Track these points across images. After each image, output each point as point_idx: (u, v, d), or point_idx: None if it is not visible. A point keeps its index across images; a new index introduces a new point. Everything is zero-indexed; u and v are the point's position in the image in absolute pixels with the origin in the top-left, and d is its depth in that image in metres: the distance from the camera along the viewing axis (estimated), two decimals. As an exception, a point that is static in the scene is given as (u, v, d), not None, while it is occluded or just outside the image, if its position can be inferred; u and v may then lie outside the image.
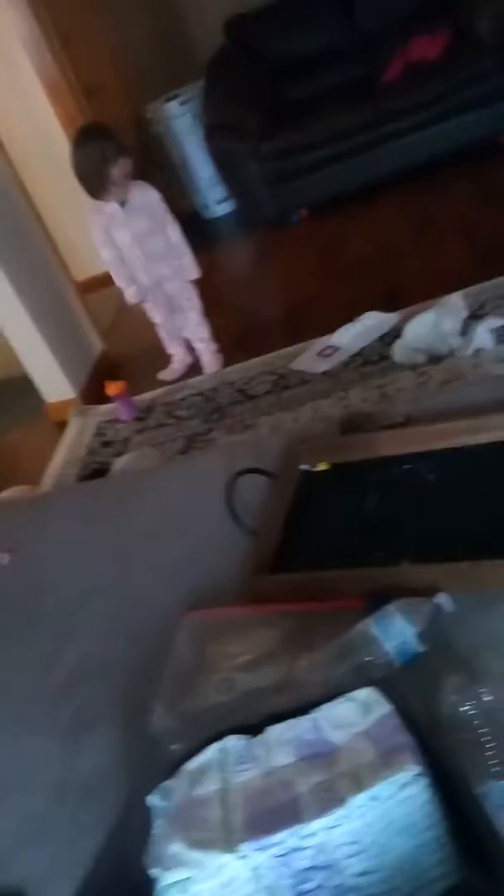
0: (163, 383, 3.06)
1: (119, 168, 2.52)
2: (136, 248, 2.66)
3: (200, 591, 1.20)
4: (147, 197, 2.63)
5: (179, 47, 4.49)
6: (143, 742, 0.96)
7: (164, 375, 3.07)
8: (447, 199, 3.48)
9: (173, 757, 0.78)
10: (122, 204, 2.61)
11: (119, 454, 2.70)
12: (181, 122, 4.39)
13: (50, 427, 3.17)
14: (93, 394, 3.13)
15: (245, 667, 1.03)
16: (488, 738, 0.79)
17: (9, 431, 3.32)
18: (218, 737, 0.72)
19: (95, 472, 2.66)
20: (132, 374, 3.13)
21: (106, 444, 2.85)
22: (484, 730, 0.81)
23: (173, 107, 4.35)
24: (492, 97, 3.54)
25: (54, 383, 3.15)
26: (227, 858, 0.58)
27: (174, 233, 2.68)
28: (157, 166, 4.40)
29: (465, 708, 0.83)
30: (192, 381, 2.99)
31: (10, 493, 2.37)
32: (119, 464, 2.52)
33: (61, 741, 1.09)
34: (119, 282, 2.77)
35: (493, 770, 0.76)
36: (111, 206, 2.62)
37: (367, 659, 0.96)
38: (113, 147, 2.54)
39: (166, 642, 1.10)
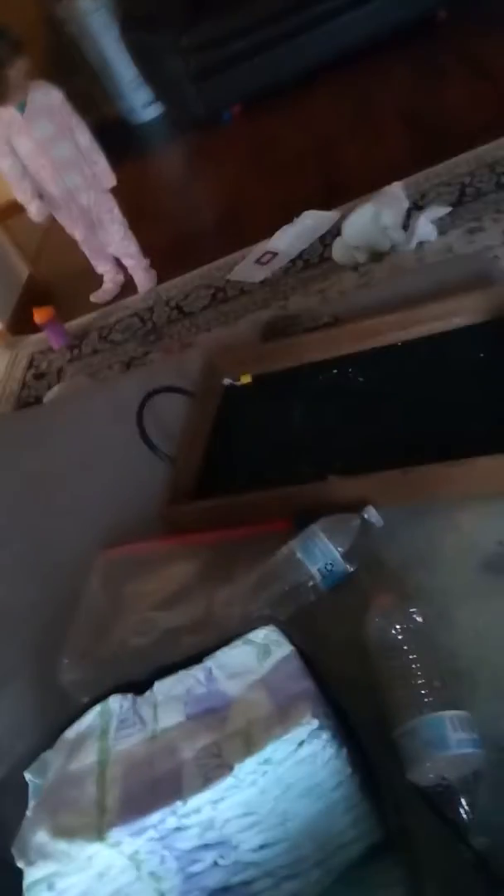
0: (96, 306, 2.87)
1: (15, 69, 2.25)
2: (40, 156, 2.41)
3: (119, 528, 1.10)
4: (49, 98, 2.37)
5: None
6: (56, 697, 0.87)
7: (96, 297, 2.88)
8: (386, 83, 3.25)
9: (66, 719, 0.69)
10: (22, 109, 2.35)
11: (52, 385, 2.54)
12: (96, 18, 4.02)
13: (-21, 363, 2.98)
14: (22, 324, 2.93)
15: (161, 605, 0.93)
16: (417, 663, 0.71)
17: None
18: (103, 696, 0.62)
19: (28, 405, 2.51)
20: (63, 299, 2.93)
21: (39, 375, 2.68)
22: (413, 654, 0.72)
23: (85, 2, 3.96)
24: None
25: (-21, 316, 2.95)
26: (96, 847, 0.48)
27: (83, 136, 2.43)
28: (74, 69, 4.05)
29: (394, 630, 0.75)
30: (126, 301, 2.81)
31: None
32: (50, 395, 2.37)
33: (-30, 700, 1.00)
34: (20, 197, 2.52)
35: (421, 700, 0.68)
36: (8, 112, 2.35)
37: (290, 585, 0.87)
38: (5, 46, 2.26)
39: (81, 586, 1.00)
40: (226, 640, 0.62)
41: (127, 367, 2.47)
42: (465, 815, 0.62)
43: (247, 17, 3.43)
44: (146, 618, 0.92)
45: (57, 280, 3.23)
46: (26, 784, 0.60)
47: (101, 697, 0.61)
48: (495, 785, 0.63)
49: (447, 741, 0.65)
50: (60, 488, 1.27)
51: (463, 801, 0.63)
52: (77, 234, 2.70)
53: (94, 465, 1.28)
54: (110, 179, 2.53)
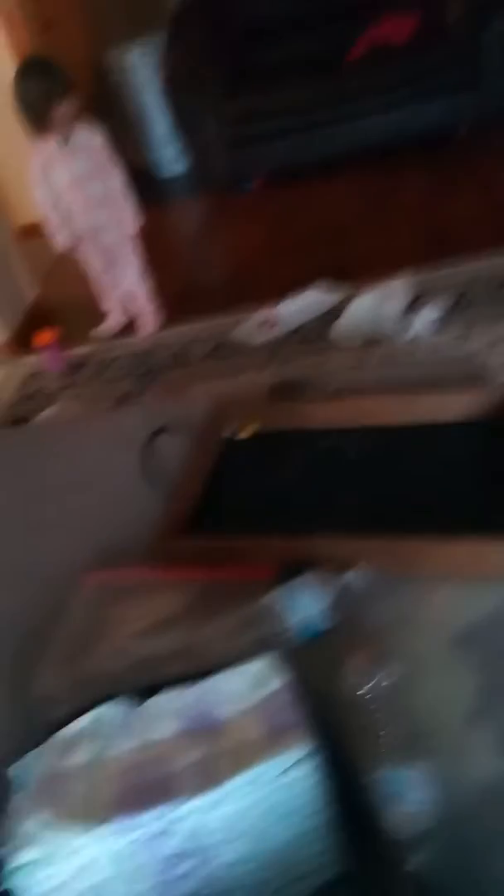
0: (97, 340, 2.94)
1: (63, 107, 2.38)
2: (74, 190, 2.52)
3: (108, 552, 1.14)
4: (90, 139, 2.49)
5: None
6: (29, 708, 0.89)
7: (98, 331, 2.95)
8: (403, 183, 3.46)
9: (54, 723, 0.72)
10: (63, 143, 2.47)
11: (44, 408, 2.58)
12: (141, 72, 4.22)
13: (-29, 376, 3.01)
14: (21, 343, 2.98)
15: (143, 632, 0.97)
16: (384, 721, 0.76)
17: None
18: (97, 704, 0.65)
19: (17, 423, 2.54)
20: (66, 327, 2.99)
21: (30, 396, 2.72)
22: (380, 714, 0.77)
23: (134, 55, 4.17)
24: (454, 88, 3.52)
25: (-20, 330, 2.99)
26: (83, 841, 0.52)
27: (117, 180, 2.55)
28: (112, 116, 4.22)
29: (364, 690, 0.80)
30: (127, 340, 2.89)
31: None
32: (42, 418, 2.41)
33: None
34: (50, 225, 2.62)
35: (384, 756, 0.73)
36: (51, 144, 2.47)
37: (269, 632, 0.92)
38: (58, 84, 2.39)
39: (63, 603, 1.03)
40: (215, 667, 0.66)
41: (120, 403, 2.52)
42: (415, 869, 0.66)
43: (283, 101, 3.65)
44: (126, 643, 0.96)
45: (62, 307, 3.30)
46: (10, 780, 0.63)
47: (95, 703, 0.64)
48: (445, 843, 0.67)
49: (404, 797, 0.70)
50: (49, 507, 1.31)
51: (414, 856, 0.67)
52: (94, 268, 2.79)
53: (85, 490, 1.32)
54: (135, 224, 2.64)
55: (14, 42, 3.48)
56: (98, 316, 2.99)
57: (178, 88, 3.76)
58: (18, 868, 0.52)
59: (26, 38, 3.48)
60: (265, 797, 0.54)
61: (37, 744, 0.66)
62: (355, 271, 2.82)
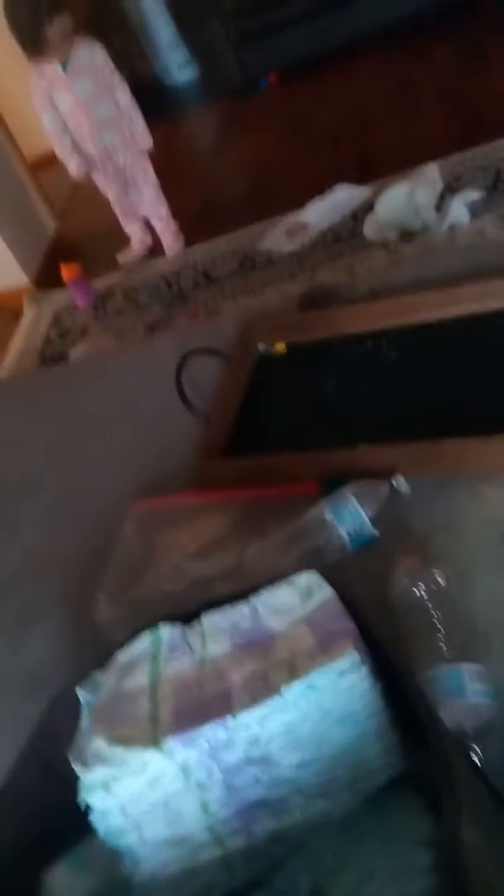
0: (122, 266, 2.89)
1: (56, 26, 2.25)
2: (80, 113, 2.42)
3: (151, 479, 1.15)
4: (91, 56, 2.37)
5: None
6: (89, 634, 0.93)
7: (122, 258, 2.90)
8: (427, 62, 3.23)
9: (113, 646, 0.74)
10: (65, 65, 2.35)
11: (76, 343, 2.58)
12: (137, -27, 3.97)
13: (4, 316, 3.01)
14: (48, 279, 2.96)
15: (194, 555, 0.98)
16: (439, 621, 0.76)
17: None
18: (152, 626, 0.67)
19: (52, 362, 2.55)
20: (89, 257, 2.95)
21: (63, 333, 2.71)
22: (435, 612, 0.77)
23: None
24: None
25: (5, 269, 2.97)
26: (151, 755, 0.54)
27: (123, 96, 2.44)
28: (113, 26, 4.01)
29: (418, 590, 0.80)
30: (153, 263, 2.83)
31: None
32: (76, 354, 2.41)
33: (6, 635, 1.06)
34: (60, 152, 2.54)
35: (441, 654, 0.73)
36: (51, 68, 2.36)
37: (319, 544, 0.92)
38: (46, 2, 2.26)
39: (114, 532, 1.05)
40: (267, 583, 0.67)
41: (151, 330, 2.50)
42: (477, 760, 0.67)
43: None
44: (178, 566, 0.97)
45: (84, 237, 3.24)
46: (77, 700, 0.65)
47: (151, 625, 0.66)
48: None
49: (464, 690, 0.70)
50: (93, 441, 1.32)
51: (476, 747, 0.68)
52: (110, 193, 2.72)
53: (125, 422, 1.33)
54: (147, 141, 2.54)
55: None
56: (121, 242, 2.93)
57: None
58: (92, 784, 0.55)
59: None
60: (322, 702, 0.54)
61: (99, 667, 0.68)
62: (384, 162, 2.68)
